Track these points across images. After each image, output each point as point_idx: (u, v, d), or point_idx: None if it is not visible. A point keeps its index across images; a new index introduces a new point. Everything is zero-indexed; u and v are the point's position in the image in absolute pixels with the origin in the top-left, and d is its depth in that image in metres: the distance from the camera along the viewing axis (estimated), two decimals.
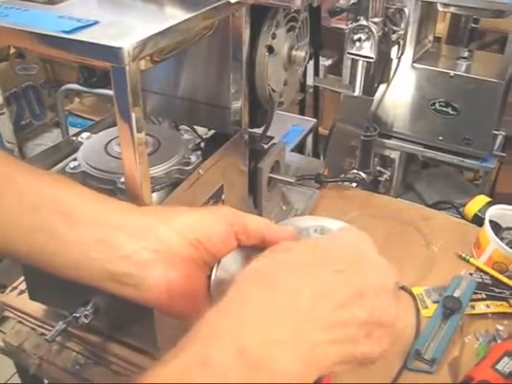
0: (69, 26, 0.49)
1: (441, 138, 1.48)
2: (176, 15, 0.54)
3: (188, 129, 0.83)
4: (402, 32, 1.33)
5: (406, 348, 0.71)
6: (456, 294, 0.77)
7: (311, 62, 1.73)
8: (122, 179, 0.60)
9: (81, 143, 0.70)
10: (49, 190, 0.47)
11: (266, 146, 0.85)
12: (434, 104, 1.45)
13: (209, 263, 0.46)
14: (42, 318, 0.75)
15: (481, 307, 0.78)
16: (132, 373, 0.69)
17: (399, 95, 1.49)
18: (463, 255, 0.87)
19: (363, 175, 1.35)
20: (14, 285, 0.80)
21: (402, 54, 1.41)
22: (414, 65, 1.44)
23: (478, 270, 0.85)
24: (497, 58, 1.48)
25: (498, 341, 0.73)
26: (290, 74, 0.80)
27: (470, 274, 0.83)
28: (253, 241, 0.47)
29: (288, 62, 0.77)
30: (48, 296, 0.72)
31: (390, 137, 1.55)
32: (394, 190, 1.66)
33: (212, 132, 0.82)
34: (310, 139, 1.47)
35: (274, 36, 0.72)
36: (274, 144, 0.86)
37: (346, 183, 1.12)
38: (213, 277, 0.46)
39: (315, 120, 1.52)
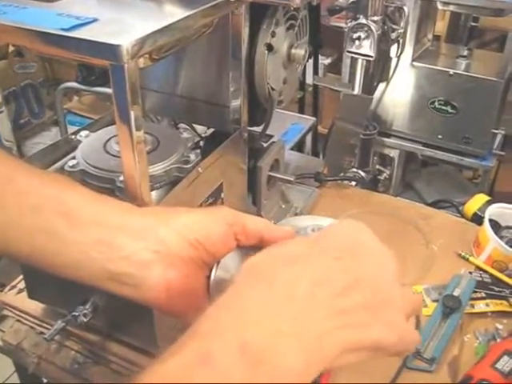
0: (67, 24, 0.48)
1: (440, 136, 1.48)
2: (175, 13, 0.54)
3: (187, 127, 0.83)
4: (401, 30, 1.33)
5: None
6: (455, 293, 0.77)
7: (310, 61, 1.73)
8: (121, 177, 0.60)
9: (79, 142, 0.70)
10: (49, 191, 0.47)
11: (265, 145, 0.85)
12: (433, 103, 1.44)
13: (208, 263, 0.46)
14: (41, 316, 0.74)
15: (480, 306, 0.78)
16: (131, 372, 0.69)
17: (399, 94, 1.48)
18: (463, 254, 0.87)
19: (362, 174, 1.34)
20: (13, 283, 0.80)
21: (401, 52, 1.40)
22: (414, 63, 1.43)
23: (478, 268, 0.85)
24: (496, 57, 1.47)
25: (498, 340, 0.73)
26: (290, 73, 0.80)
27: (470, 273, 0.83)
28: (251, 241, 0.47)
29: (287, 61, 0.77)
30: (47, 295, 0.72)
31: (389, 135, 1.55)
32: (394, 188, 1.65)
33: (211, 130, 0.82)
34: (309, 138, 1.47)
35: (273, 34, 0.71)
36: (274, 142, 0.86)
37: (346, 182, 1.12)
38: (212, 277, 0.46)
39: (314, 118, 1.52)
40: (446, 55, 1.52)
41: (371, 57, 1.20)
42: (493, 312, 0.78)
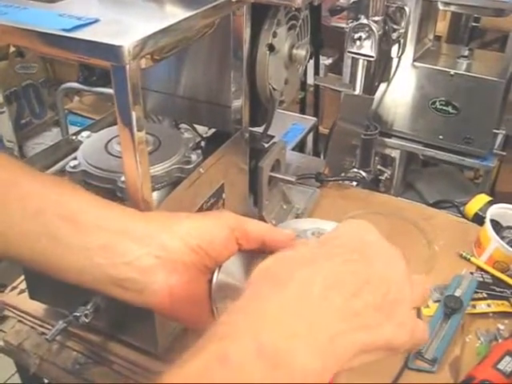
0: (69, 24, 0.48)
1: (441, 136, 1.48)
2: (177, 13, 0.54)
3: (188, 127, 0.83)
4: (402, 31, 1.33)
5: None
6: (457, 294, 0.77)
7: (312, 61, 1.73)
8: (123, 178, 0.60)
9: (81, 142, 0.70)
10: (52, 195, 0.47)
11: (266, 145, 0.85)
12: (434, 103, 1.44)
13: (210, 268, 0.47)
14: (42, 317, 0.74)
15: (482, 306, 0.78)
16: (132, 372, 0.69)
17: (400, 94, 1.48)
18: (464, 254, 0.87)
19: (364, 174, 1.35)
20: (14, 284, 0.80)
21: (402, 52, 1.40)
22: (415, 63, 1.43)
23: (479, 269, 0.85)
24: (497, 57, 1.47)
25: (499, 340, 0.73)
26: (291, 73, 0.80)
27: (471, 273, 0.83)
28: (253, 245, 0.48)
29: (289, 61, 0.77)
30: (48, 295, 0.72)
31: (390, 136, 1.55)
32: (395, 188, 1.65)
33: (212, 131, 0.82)
34: (310, 138, 1.47)
35: (274, 34, 0.71)
36: (275, 143, 0.85)
37: (347, 182, 1.12)
38: (214, 281, 0.47)
39: (315, 119, 1.52)
40: (447, 55, 1.52)
41: (372, 57, 1.20)
42: (494, 312, 0.77)
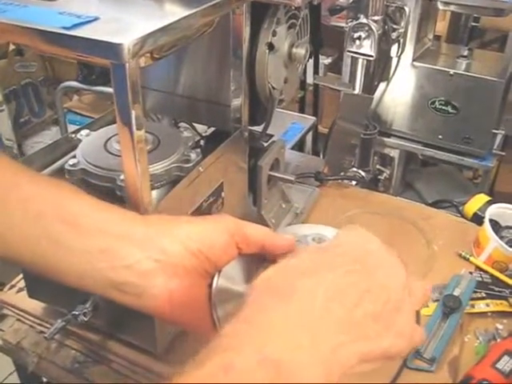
0: (69, 22, 0.48)
1: (440, 136, 1.48)
2: (176, 12, 0.54)
3: (188, 126, 0.83)
4: (402, 30, 1.33)
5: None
6: (456, 293, 0.77)
7: (311, 60, 1.73)
8: (122, 177, 0.60)
9: (80, 140, 0.70)
10: (53, 198, 0.47)
11: (265, 144, 0.84)
12: (433, 102, 1.44)
13: (210, 272, 0.47)
14: (41, 315, 0.74)
15: (480, 306, 0.78)
16: (131, 371, 0.69)
17: (399, 93, 1.48)
18: (463, 254, 0.87)
19: (363, 173, 1.34)
20: (13, 282, 0.80)
21: (401, 52, 1.40)
22: (414, 63, 1.43)
23: (478, 268, 0.85)
24: (497, 57, 1.47)
25: (498, 339, 0.73)
26: (291, 72, 0.80)
27: (470, 273, 0.83)
28: (253, 249, 0.48)
29: (288, 60, 0.77)
30: (47, 294, 0.72)
31: (389, 135, 1.55)
32: (394, 188, 1.65)
33: (212, 129, 0.82)
34: (309, 137, 1.47)
35: (274, 33, 0.71)
36: (274, 142, 0.85)
37: (346, 181, 1.12)
38: (214, 285, 0.47)
39: (315, 118, 1.52)
40: (446, 55, 1.52)
41: (372, 56, 1.20)
42: (493, 312, 0.77)
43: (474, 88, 1.38)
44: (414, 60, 1.43)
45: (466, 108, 1.41)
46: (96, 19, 0.50)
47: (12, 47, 2.37)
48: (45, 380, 0.82)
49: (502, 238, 0.85)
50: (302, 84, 1.85)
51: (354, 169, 1.36)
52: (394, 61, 1.44)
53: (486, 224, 0.86)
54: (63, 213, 0.46)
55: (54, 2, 0.55)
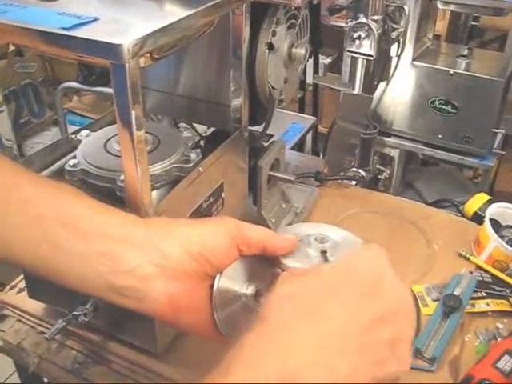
0: (68, 23, 0.48)
1: (440, 136, 1.48)
2: (176, 12, 0.54)
3: (188, 126, 0.83)
4: (401, 30, 1.32)
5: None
6: (456, 292, 0.77)
7: (311, 60, 1.73)
8: (122, 177, 0.60)
9: (80, 141, 0.70)
10: (53, 200, 0.47)
11: (265, 144, 0.84)
12: (433, 102, 1.44)
13: (211, 275, 0.47)
14: (42, 316, 0.74)
15: (481, 305, 0.78)
16: (132, 372, 0.69)
17: (399, 93, 1.48)
18: (463, 253, 0.87)
19: (363, 173, 1.34)
20: (13, 283, 0.80)
21: (401, 51, 1.40)
22: (414, 63, 1.43)
23: (479, 268, 0.85)
24: (497, 56, 1.47)
25: (499, 339, 0.73)
26: (290, 72, 0.80)
27: (471, 272, 0.83)
28: (254, 251, 0.48)
29: (288, 60, 0.77)
30: (47, 294, 0.72)
31: (389, 135, 1.55)
32: (394, 188, 1.65)
33: (212, 130, 0.82)
34: (309, 137, 1.47)
35: (274, 33, 0.71)
36: (274, 142, 0.85)
37: (346, 181, 1.12)
38: (215, 287, 0.47)
39: (315, 118, 1.52)
40: (446, 54, 1.52)
41: (371, 56, 1.20)
42: (493, 311, 0.77)
43: (474, 87, 1.38)
44: (413, 59, 1.43)
45: (465, 107, 1.41)
46: (96, 20, 0.50)
47: (12, 48, 2.37)
48: (45, 380, 0.82)
49: (502, 237, 0.85)
50: (302, 84, 1.85)
51: (354, 169, 1.36)
52: (394, 60, 1.44)
53: (487, 223, 0.86)
54: (63, 216, 0.46)
55: (54, 3, 0.55)
